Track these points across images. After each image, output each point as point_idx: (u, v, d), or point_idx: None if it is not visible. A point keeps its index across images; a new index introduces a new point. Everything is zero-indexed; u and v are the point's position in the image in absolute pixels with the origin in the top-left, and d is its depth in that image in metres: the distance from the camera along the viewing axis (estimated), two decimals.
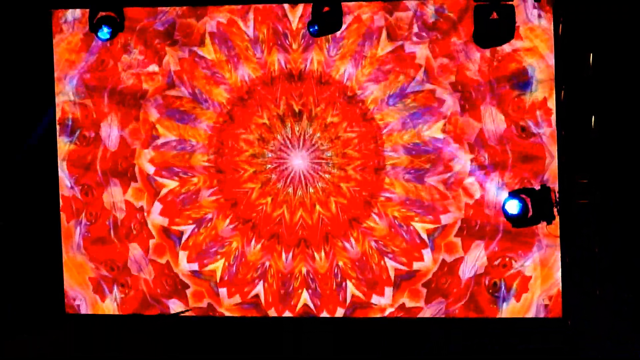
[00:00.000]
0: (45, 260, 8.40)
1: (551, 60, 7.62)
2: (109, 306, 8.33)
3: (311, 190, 8.08)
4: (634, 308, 7.46)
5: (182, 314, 8.09)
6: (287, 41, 8.04)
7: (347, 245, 8.05)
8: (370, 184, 7.99)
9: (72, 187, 8.34)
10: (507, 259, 7.80)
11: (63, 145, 8.35)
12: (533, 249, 7.70)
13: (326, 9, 7.52)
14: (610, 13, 7.49)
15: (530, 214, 7.26)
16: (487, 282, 7.81)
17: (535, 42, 7.65)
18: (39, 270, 8.40)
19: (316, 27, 7.57)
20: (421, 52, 7.85)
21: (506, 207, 7.28)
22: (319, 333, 8.08)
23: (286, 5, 8.01)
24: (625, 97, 7.54)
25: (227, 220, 8.19)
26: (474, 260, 7.84)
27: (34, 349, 8.09)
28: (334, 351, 8.04)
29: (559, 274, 7.67)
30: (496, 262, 7.80)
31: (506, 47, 7.64)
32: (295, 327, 8.12)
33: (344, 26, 7.81)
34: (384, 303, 8.00)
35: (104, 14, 7.81)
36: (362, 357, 8.00)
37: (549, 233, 7.58)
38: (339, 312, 8.08)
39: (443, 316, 7.90)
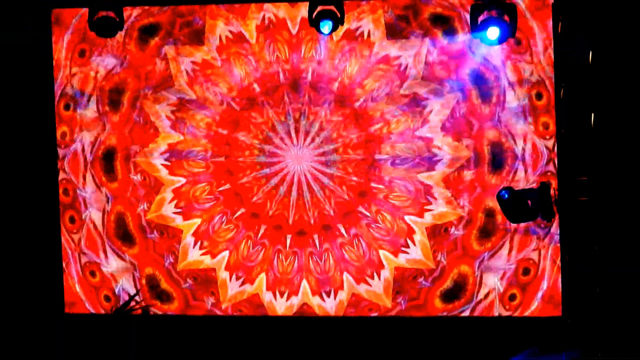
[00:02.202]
0: (45, 260, 8.41)
1: (550, 61, 7.62)
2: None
3: (311, 190, 8.06)
4: (634, 308, 7.43)
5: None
6: (289, 40, 8.04)
7: (348, 245, 8.05)
8: (369, 184, 7.97)
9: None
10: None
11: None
12: None
13: (321, 7, 7.50)
14: (610, 11, 7.48)
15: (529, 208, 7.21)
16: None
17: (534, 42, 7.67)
18: (39, 270, 8.41)
19: (331, 24, 7.53)
20: (423, 52, 7.85)
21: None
22: (319, 333, 8.07)
23: (287, 5, 8.02)
24: (625, 95, 7.52)
25: (225, 219, 8.20)
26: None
27: (34, 348, 8.13)
28: (333, 351, 8.02)
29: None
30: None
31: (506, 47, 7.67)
32: (295, 327, 8.11)
33: (345, 27, 7.80)
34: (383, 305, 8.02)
35: (103, 13, 7.81)
36: (361, 357, 7.98)
37: None
38: (339, 313, 8.07)
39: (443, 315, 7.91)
